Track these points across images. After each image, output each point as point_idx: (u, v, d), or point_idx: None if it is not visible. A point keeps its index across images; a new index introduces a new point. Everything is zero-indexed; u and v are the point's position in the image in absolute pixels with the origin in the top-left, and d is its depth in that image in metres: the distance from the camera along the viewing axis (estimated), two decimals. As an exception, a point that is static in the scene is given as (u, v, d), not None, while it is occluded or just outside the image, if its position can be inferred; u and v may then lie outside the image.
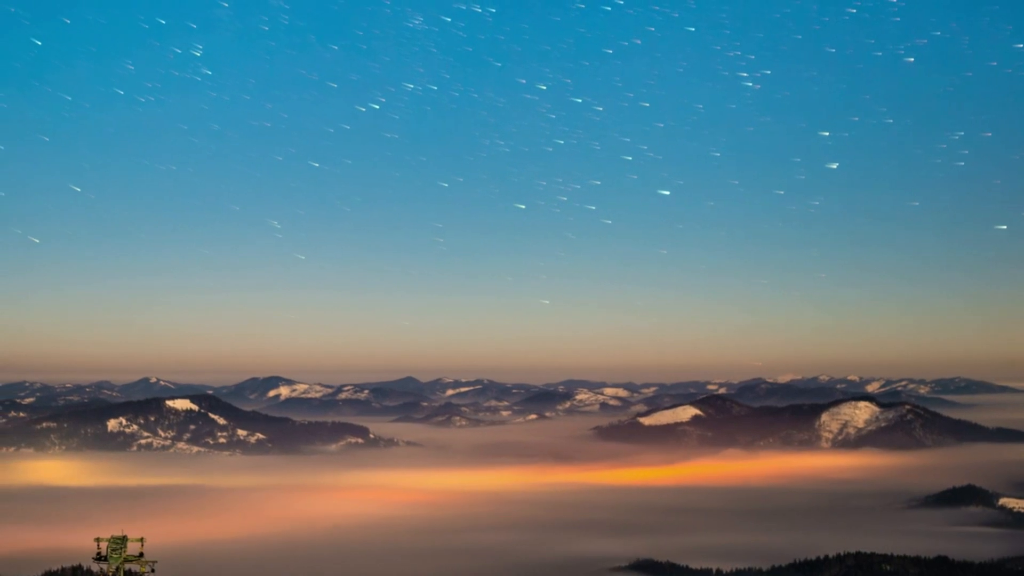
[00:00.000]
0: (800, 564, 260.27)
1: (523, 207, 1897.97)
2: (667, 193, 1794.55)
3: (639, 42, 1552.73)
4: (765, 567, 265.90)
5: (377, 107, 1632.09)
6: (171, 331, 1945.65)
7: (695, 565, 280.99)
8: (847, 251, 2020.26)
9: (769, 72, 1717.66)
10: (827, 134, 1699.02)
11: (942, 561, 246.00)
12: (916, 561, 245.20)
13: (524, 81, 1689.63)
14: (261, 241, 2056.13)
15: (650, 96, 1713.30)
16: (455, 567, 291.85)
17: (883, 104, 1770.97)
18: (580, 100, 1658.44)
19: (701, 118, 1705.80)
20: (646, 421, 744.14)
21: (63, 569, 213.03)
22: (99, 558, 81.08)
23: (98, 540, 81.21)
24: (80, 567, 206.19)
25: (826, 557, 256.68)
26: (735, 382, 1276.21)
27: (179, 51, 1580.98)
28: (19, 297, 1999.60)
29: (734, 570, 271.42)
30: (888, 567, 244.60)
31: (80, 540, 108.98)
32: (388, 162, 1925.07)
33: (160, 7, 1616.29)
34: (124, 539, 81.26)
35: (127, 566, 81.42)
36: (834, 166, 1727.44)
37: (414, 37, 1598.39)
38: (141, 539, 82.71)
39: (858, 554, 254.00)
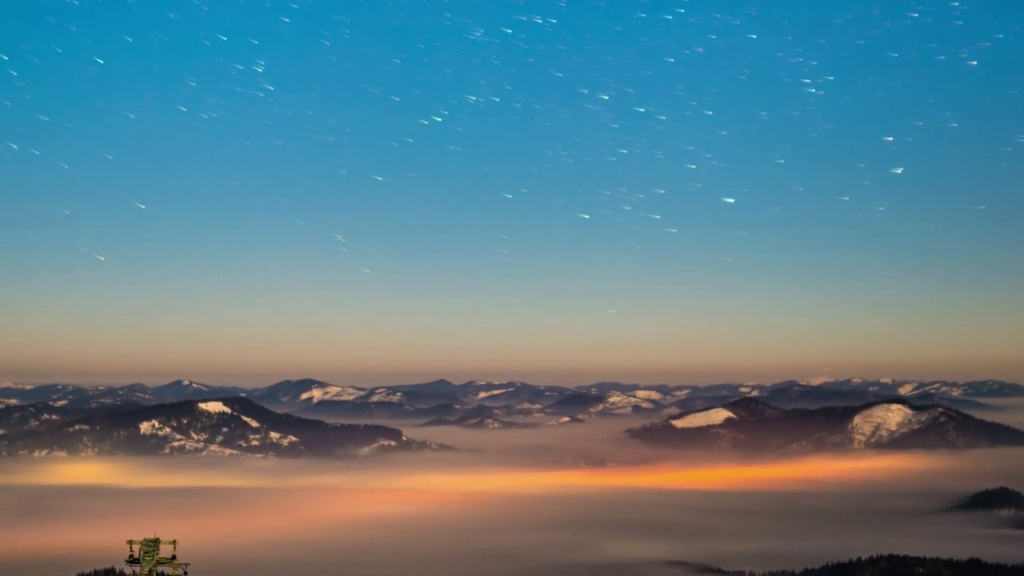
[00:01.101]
0: (833, 567, 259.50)
1: (587, 217, 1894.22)
2: (731, 201, 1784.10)
3: (701, 50, 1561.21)
4: (798, 570, 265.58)
5: (440, 120, 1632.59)
6: (203, 334, 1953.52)
7: (728, 568, 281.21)
8: (913, 256, 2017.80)
9: (832, 78, 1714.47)
10: (891, 139, 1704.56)
11: (975, 564, 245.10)
12: (949, 564, 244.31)
13: (586, 91, 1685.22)
14: (326, 255, 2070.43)
15: (713, 104, 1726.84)
16: (488, 569, 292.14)
17: (947, 108, 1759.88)
18: (643, 109, 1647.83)
19: (764, 125, 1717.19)
20: (679, 424, 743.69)
21: (96, 571, 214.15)
22: (132, 560, 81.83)
23: (131, 542, 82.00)
24: (113, 569, 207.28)
25: (859, 560, 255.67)
26: (767, 384, 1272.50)
27: (241, 67, 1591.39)
28: (53, 300, 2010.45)
29: (767, 573, 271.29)
30: (921, 569, 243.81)
31: (113, 542, 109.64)
32: (451, 175, 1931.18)
33: (222, 24, 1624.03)
34: (157, 541, 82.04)
35: (160, 568, 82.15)
36: (899, 171, 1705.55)
37: (475, 49, 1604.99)
38: (174, 541, 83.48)
39: (891, 556, 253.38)
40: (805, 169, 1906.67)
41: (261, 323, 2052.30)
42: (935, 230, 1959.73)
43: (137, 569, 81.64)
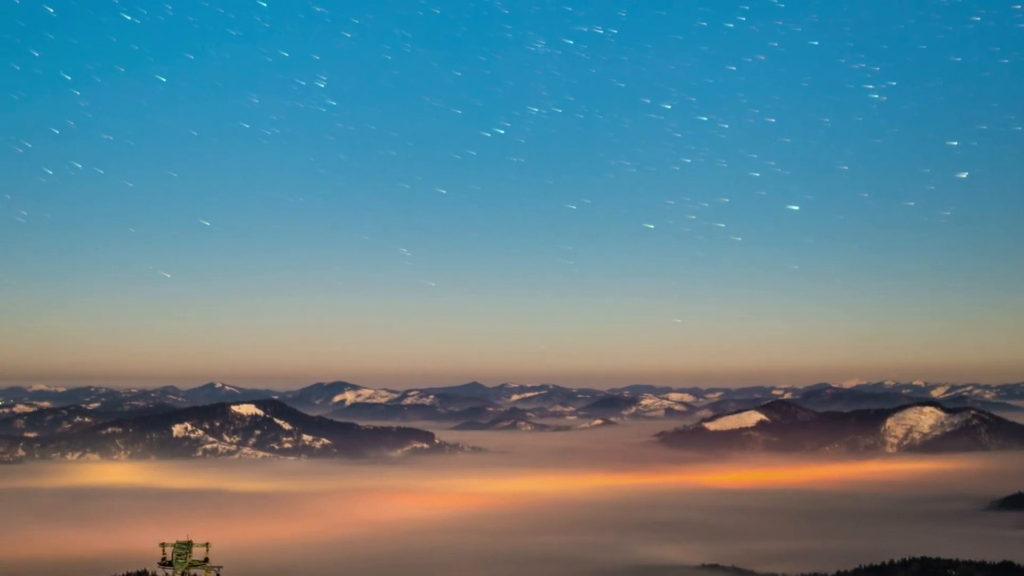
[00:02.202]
0: (866, 569, 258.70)
1: (652, 227, 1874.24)
2: (796, 208, 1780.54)
3: (763, 58, 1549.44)
4: (831, 572, 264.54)
5: (502, 132, 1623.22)
6: (236, 337, 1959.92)
7: (761, 570, 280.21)
8: (981, 260, 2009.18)
9: (895, 83, 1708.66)
10: (955, 144, 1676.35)
11: (1008, 566, 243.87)
12: (981, 566, 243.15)
13: (648, 101, 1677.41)
14: (392, 269, 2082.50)
15: (775, 111, 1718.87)
16: (521, 572, 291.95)
17: (1011, 112, 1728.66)
18: (705, 118, 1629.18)
19: (828, 132, 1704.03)
20: (711, 426, 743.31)
21: (128, 574, 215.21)
22: (164, 563, 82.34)
23: (163, 545, 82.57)
24: (145, 572, 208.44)
25: (891, 562, 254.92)
26: (800, 387, 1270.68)
27: (303, 83, 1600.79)
28: (83, 303, 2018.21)
29: (799, 575, 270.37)
30: (954, 572, 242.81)
31: (145, 545, 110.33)
32: (515, 186, 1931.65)
33: (283, 40, 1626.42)
34: (189, 544, 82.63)
35: (192, 571, 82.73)
36: (964, 175, 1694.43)
37: (537, 61, 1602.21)
38: (206, 544, 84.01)
39: (924, 559, 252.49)
40: (869, 175, 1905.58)
41: (293, 326, 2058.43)
42: (1001, 234, 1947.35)
43: (170, 572, 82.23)
